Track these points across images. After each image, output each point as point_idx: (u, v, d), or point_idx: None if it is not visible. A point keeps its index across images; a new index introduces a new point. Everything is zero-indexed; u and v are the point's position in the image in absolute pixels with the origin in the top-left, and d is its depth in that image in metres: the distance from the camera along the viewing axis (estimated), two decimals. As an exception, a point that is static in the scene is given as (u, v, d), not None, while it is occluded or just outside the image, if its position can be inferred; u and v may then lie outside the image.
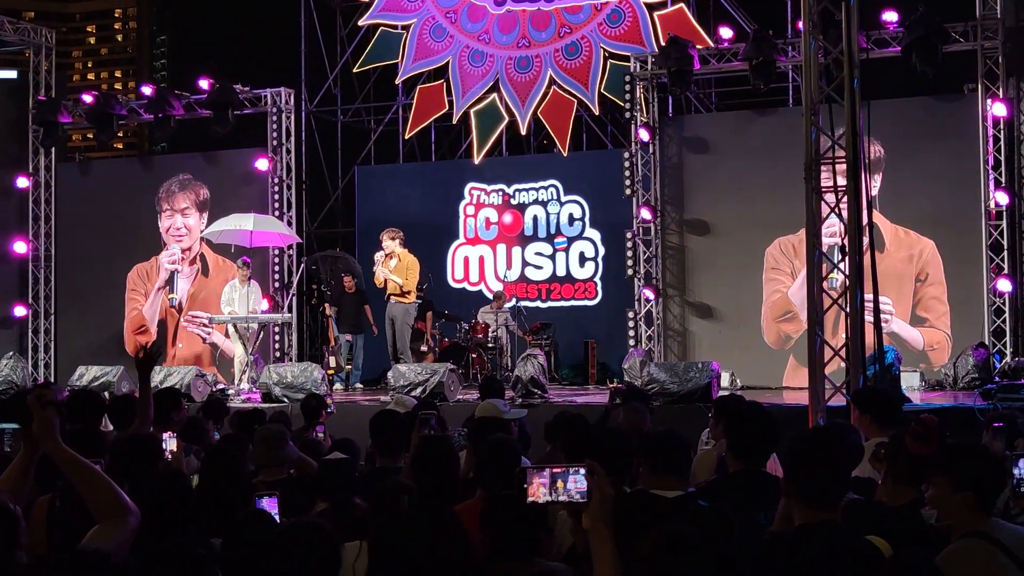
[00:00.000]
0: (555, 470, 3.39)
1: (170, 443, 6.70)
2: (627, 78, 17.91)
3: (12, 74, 21.04)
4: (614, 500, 3.52)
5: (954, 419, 11.45)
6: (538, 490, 3.37)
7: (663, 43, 17.65)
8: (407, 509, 4.30)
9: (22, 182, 20.53)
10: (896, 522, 4.42)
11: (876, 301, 10.11)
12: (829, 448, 4.05)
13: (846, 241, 10.11)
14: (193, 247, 20.17)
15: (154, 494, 4.99)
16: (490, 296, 19.07)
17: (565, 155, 19.77)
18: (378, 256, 16.90)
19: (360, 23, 21.09)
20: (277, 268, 19.15)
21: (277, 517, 4.72)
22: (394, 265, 16.69)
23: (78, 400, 8.20)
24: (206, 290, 19.82)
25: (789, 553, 3.84)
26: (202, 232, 18.80)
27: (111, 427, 8.05)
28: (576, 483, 3.35)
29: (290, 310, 18.22)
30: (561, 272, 19.94)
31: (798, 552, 3.81)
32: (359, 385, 17.87)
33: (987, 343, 15.44)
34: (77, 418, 7.29)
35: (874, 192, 16.27)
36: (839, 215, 10.29)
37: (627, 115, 18.00)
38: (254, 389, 15.68)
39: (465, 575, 3.75)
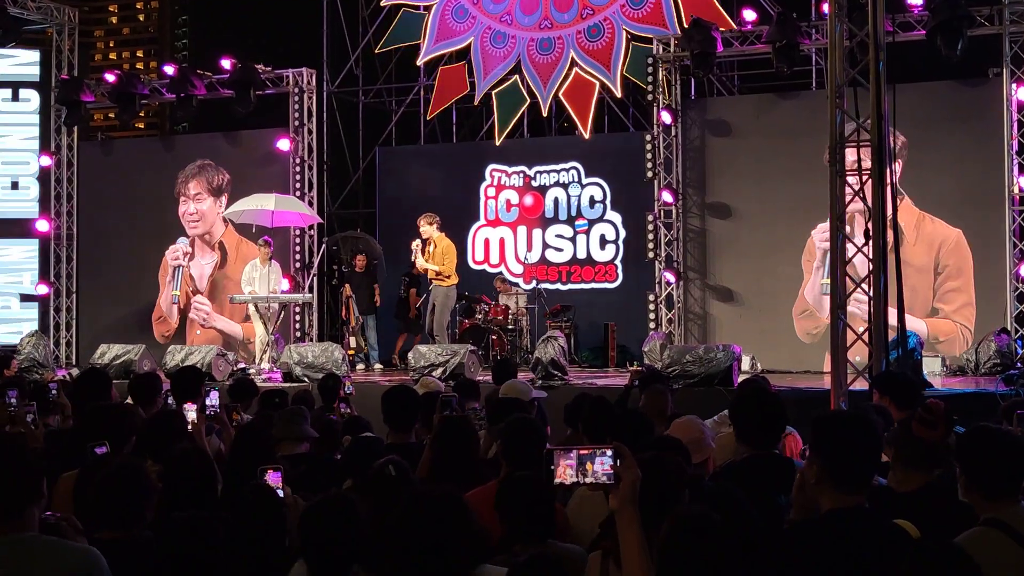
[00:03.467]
0: (582, 452, 3.37)
1: (190, 414, 6.78)
2: (649, 60, 17.84)
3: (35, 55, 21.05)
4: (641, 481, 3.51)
5: (976, 405, 11.42)
6: (565, 471, 3.35)
7: (686, 25, 17.59)
8: (415, 490, 4.30)
9: (44, 161, 20.61)
10: (904, 508, 4.39)
11: (899, 285, 10.07)
12: (865, 429, 4.01)
13: (870, 225, 10.06)
14: (213, 232, 20.28)
15: (178, 470, 5.06)
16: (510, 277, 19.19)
17: (587, 137, 19.72)
18: (415, 244, 16.70)
19: (382, 3, 21.04)
20: (298, 248, 19.20)
21: (280, 491, 4.76)
22: (431, 251, 16.56)
23: (88, 378, 8.24)
24: (225, 278, 20.00)
25: (821, 539, 3.82)
26: (221, 212, 18.85)
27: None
28: (603, 465, 3.33)
29: (311, 290, 18.25)
30: (582, 254, 19.90)
31: (830, 538, 3.79)
32: (378, 366, 17.90)
33: (1009, 329, 15.37)
34: (89, 395, 7.36)
35: (895, 179, 16.22)
36: (863, 198, 10.25)
37: (649, 97, 17.94)
38: (275, 369, 15.73)
39: (474, 556, 3.77)
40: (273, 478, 4.86)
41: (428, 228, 16.46)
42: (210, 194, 20.32)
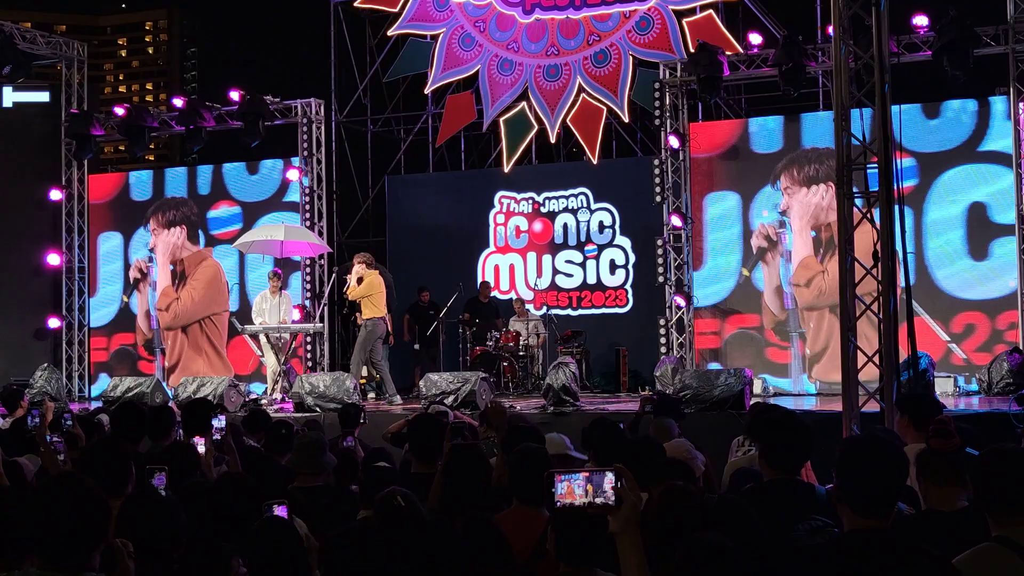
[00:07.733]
0: (584, 473, 3.39)
1: (199, 447, 6.79)
2: (656, 85, 17.86)
3: (44, 96, 21.12)
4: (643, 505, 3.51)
5: (989, 425, 11.37)
6: (573, 491, 3.36)
7: (692, 50, 17.63)
8: (439, 518, 4.30)
9: (55, 195, 20.68)
10: (952, 527, 4.40)
11: (909, 306, 10.06)
12: (883, 455, 4.00)
13: (879, 247, 10.05)
14: (176, 259, 20.64)
15: (189, 504, 5.04)
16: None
17: (595, 163, 19.75)
18: (349, 276, 16.56)
19: (389, 33, 21.13)
20: (308, 278, 19.22)
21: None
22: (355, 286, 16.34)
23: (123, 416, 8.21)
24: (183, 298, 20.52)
25: (838, 558, 3.81)
26: (233, 244, 18.86)
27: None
28: (608, 485, 3.34)
29: (321, 320, 18.28)
30: (592, 280, 19.90)
31: (846, 557, 3.78)
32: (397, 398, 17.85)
33: (1022, 349, 15.31)
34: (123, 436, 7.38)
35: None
36: (871, 220, 10.25)
37: (656, 122, 17.96)
38: (287, 399, 15.73)
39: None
40: (280, 512, 4.80)
41: (359, 267, 16.25)
42: (163, 227, 20.68)
